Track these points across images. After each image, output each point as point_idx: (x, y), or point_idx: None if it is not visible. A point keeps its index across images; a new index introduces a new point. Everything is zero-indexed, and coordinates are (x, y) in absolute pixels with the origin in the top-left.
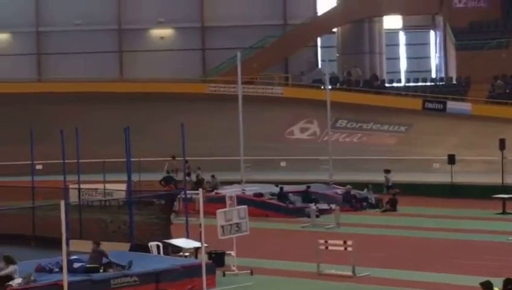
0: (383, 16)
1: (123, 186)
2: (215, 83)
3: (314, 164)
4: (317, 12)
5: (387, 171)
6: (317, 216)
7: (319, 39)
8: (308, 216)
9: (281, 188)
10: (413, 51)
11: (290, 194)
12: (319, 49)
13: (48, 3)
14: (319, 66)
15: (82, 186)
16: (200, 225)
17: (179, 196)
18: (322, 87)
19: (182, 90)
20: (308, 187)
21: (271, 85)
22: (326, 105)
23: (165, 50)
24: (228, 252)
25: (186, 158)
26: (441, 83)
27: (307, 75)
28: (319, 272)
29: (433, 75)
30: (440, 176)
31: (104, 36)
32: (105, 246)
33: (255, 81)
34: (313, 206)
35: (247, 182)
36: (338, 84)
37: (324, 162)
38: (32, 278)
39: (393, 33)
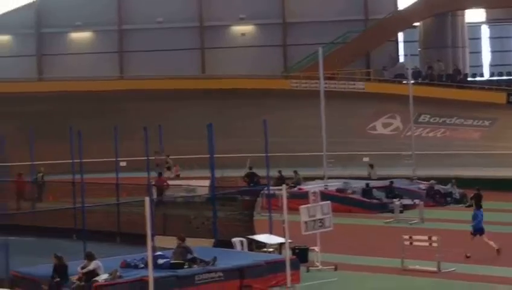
0: (466, 9)
1: (206, 183)
2: (297, 79)
3: (397, 159)
4: (398, 7)
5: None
6: (400, 211)
7: (400, 33)
8: (392, 212)
9: (367, 184)
10: (496, 44)
11: (374, 189)
12: (401, 44)
13: (130, 2)
14: (401, 60)
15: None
16: (284, 220)
17: (262, 191)
18: (404, 82)
19: (263, 86)
20: (391, 183)
21: (353, 80)
22: (408, 100)
23: (246, 46)
24: (312, 247)
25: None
26: None
27: (389, 70)
28: (403, 267)
29: None
30: None
31: (185, 33)
32: (189, 242)
33: (337, 76)
34: (396, 201)
35: (330, 177)
36: (420, 79)
37: (407, 157)
38: (118, 274)
39: (476, 26)
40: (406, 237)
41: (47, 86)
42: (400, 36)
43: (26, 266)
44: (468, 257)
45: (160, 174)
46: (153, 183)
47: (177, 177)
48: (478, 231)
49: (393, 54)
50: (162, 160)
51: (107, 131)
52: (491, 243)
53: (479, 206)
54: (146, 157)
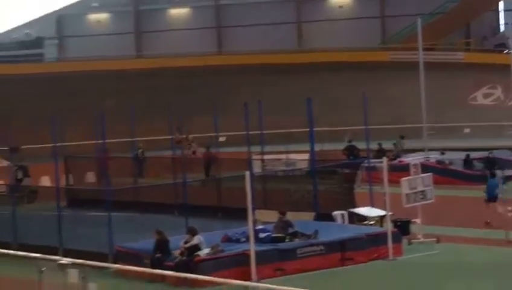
0: None
1: (306, 156)
2: (395, 51)
3: (499, 130)
4: None
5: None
6: (503, 183)
7: (501, 2)
8: None
9: (467, 155)
10: None
11: (475, 161)
12: (502, 13)
13: None
14: (502, 30)
15: (265, 156)
16: (385, 193)
17: (362, 164)
18: (506, 51)
19: (361, 59)
20: (491, 153)
21: (452, 51)
22: (510, 70)
23: (344, 19)
24: (413, 220)
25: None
26: None
27: (490, 40)
28: (507, 239)
29: None
30: None
31: (282, 7)
32: (290, 215)
33: (436, 47)
34: (499, 173)
35: (430, 149)
36: None
37: (509, 128)
38: (219, 248)
39: None
40: (510, 208)
41: (146, 63)
42: (501, 5)
43: (129, 241)
44: None
45: (208, 148)
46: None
47: (194, 154)
48: None
49: (493, 23)
50: (182, 138)
51: (206, 106)
52: None
53: None
54: (246, 132)
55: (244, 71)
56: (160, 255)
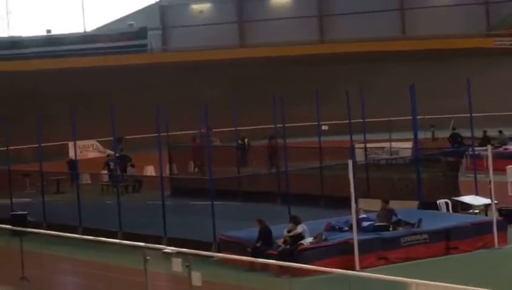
0: None
1: (409, 145)
2: (501, 37)
3: None
4: None
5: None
6: None
7: None
8: None
9: None
10: None
11: None
12: None
13: None
14: None
15: (368, 145)
16: (490, 181)
17: (466, 152)
18: None
19: (465, 45)
20: None
21: None
22: None
23: (447, 6)
24: None
25: None
26: None
27: None
28: None
29: None
30: None
31: None
32: (393, 204)
33: None
34: None
35: None
36: None
37: None
38: (323, 237)
39: None
40: None
41: (249, 52)
42: None
43: (232, 230)
44: None
45: (271, 137)
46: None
47: None
48: None
49: None
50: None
51: (309, 95)
52: None
53: None
54: (348, 121)
55: (348, 59)
56: (262, 244)
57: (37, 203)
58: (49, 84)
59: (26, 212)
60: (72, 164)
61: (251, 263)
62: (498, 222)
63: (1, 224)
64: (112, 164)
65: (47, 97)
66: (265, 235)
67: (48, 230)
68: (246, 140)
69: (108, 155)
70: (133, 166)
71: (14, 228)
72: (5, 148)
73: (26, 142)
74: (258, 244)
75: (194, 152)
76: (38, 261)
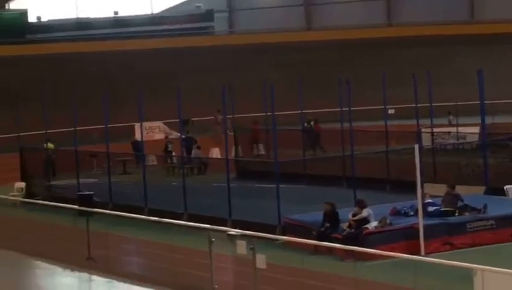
0: None
1: (476, 129)
2: None
3: None
4: None
5: None
6: None
7: None
8: None
9: None
10: None
11: None
12: None
13: None
14: None
15: (434, 129)
16: None
17: None
18: None
19: None
20: None
21: None
22: None
23: None
24: None
25: None
26: None
27: None
28: None
29: None
30: None
31: None
32: (459, 189)
33: None
34: None
35: None
36: None
37: None
38: (387, 221)
39: None
40: None
41: (315, 35)
42: None
43: (297, 213)
44: None
45: (315, 122)
46: None
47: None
48: None
49: None
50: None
51: (375, 79)
52: None
53: None
54: (414, 105)
55: (415, 43)
56: (328, 226)
57: (104, 184)
58: (116, 66)
59: (92, 193)
60: (137, 145)
61: (316, 246)
62: None
63: (68, 204)
64: (170, 145)
65: (114, 79)
66: (332, 219)
67: (113, 211)
68: (311, 123)
69: (166, 137)
70: (198, 148)
71: (81, 208)
72: (73, 129)
73: (94, 124)
74: (323, 228)
75: (254, 135)
76: (104, 242)
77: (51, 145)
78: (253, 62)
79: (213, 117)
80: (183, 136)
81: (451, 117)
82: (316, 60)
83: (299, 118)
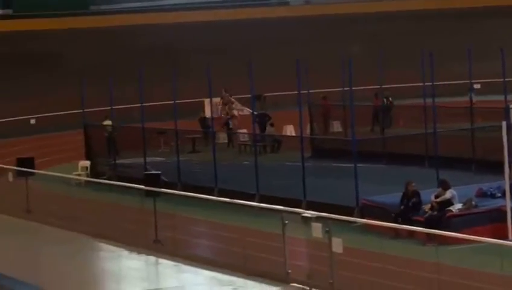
0: None
1: None
2: None
3: None
4: None
5: None
6: None
7: None
8: None
9: None
10: None
11: None
12: None
13: None
14: None
15: None
16: None
17: None
18: None
19: None
20: None
21: None
22: None
23: None
24: None
25: None
26: None
27: None
28: None
29: None
30: None
31: None
32: None
33: None
34: None
35: None
36: None
37: None
38: (473, 203)
39: None
40: None
41: (395, 5)
42: None
43: (376, 194)
44: None
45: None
46: None
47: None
48: None
49: None
50: (229, 99)
51: (460, 51)
52: None
53: None
54: (502, 79)
55: (502, 13)
56: (408, 209)
57: (172, 163)
58: (184, 39)
59: (159, 172)
60: (205, 122)
61: (395, 229)
62: None
63: (134, 184)
64: (231, 123)
65: (182, 52)
66: (414, 200)
67: (182, 191)
68: (389, 99)
69: (227, 114)
70: (272, 125)
71: (148, 188)
72: (139, 104)
73: (161, 99)
74: (403, 210)
75: (324, 111)
76: (171, 224)
77: (108, 123)
78: (330, 34)
79: (220, 99)
80: (255, 113)
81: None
82: (396, 32)
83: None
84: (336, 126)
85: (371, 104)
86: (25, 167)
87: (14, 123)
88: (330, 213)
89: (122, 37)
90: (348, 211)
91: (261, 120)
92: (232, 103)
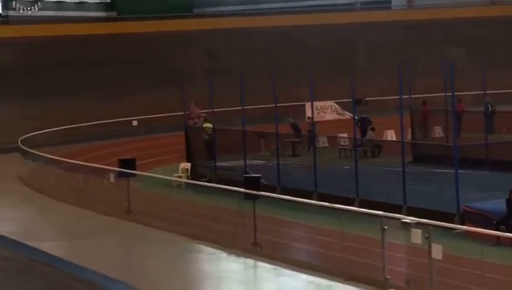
0: None
1: None
2: None
3: None
4: None
5: None
6: None
7: None
8: None
9: None
10: None
11: None
12: None
13: None
14: None
15: None
16: None
17: None
18: None
19: None
20: None
21: None
22: None
23: None
24: None
25: None
26: None
27: None
28: None
29: None
30: None
31: None
32: None
33: None
34: None
35: None
36: None
37: None
38: None
39: None
40: None
41: (497, 10)
42: None
43: (478, 201)
44: None
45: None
46: None
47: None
48: None
49: None
50: (198, 113)
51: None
52: None
53: None
54: None
55: None
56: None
57: (271, 166)
58: (285, 42)
59: (259, 175)
60: (296, 127)
61: (497, 237)
62: None
63: (234, 186)
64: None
65: (283, 55)
66: None
67: (281, 194)
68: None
69: (309, 118)
70: (372, 129)
71: (247, 191)
72: (240, 108)
73: (261, 102)
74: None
75: (423, 117)
76: (270, 226)
77: (208, 125)
78: (431, 38)
79: (188, 112)
80: (356, 117)
81: None
82: (498, 37)
83: (480, 99)
84: (438, 131)
85: (478, 110)
86: (126, 168)
87: (118, 124)
88: (430, 219)
89: (223, 39)
90: (449, 218)
91: (362, 124)
92: (199, 117)
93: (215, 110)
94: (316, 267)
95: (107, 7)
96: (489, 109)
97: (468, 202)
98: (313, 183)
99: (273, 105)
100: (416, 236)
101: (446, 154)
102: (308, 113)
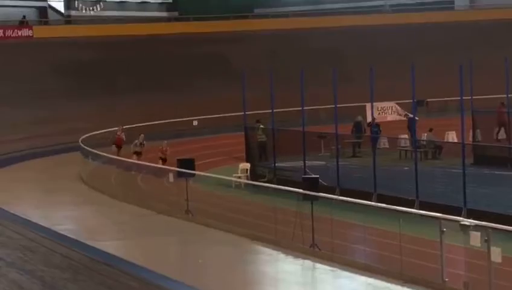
0: None
1: None
2: None
3: None
4: None
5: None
6: None
7: None
8: None
9: None
10: None
11: None
12: None
13: None
14: None
15: None
16: None
17: None
18: None
19: None
20: None
21: None
22: None
23: None
24: None
25: None
26: None
27: None
28: None
29: None
30: None
31: None
32: None
33: None
34: None
35: None
36: None
37: None
38: None
39: None
40: None
41: None
42: None
43: None
44: None
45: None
46: None
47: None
48: None
49: None
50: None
51: None
52: None
53: None
54: None
55: None
56: None
57: (331, 167)
58: (346, 43)
59: (317, 176)
60: (359, 127)
61: None
62: None
63: (293, 187)
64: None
65: (344, 56)
66: None
67: (340, 195)
68: None
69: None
70: (431, 130)
71: (305, 192)
72: (300, 108)
73: (321, 103)
74: None
75: (500, 119)
76: (328, 228)
77: (261, 126)
78: (494, 39)
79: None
80: (416, 118)
81: None
82: None
83: None
84: (501, 133)
85: None
86: (185, 168)
87: (179, 124)
88: (490, 222)
89: (283, 40)
90: (510, 221)
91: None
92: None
93: (275, 110)
94: (374, 269)
95: (169, 8)
96: None
97: None
98: (372, 185)
99: (333, 106)
100: (475, 239)
101: (508, 157)
102: (369, 114)
